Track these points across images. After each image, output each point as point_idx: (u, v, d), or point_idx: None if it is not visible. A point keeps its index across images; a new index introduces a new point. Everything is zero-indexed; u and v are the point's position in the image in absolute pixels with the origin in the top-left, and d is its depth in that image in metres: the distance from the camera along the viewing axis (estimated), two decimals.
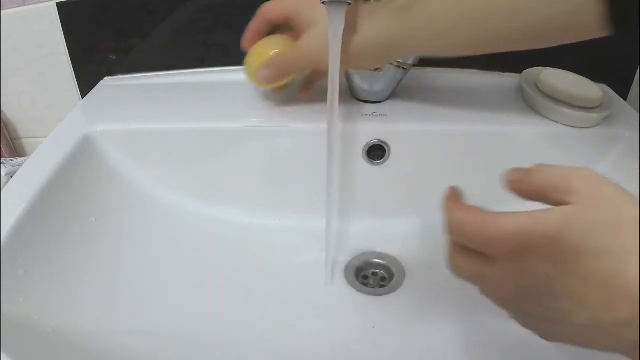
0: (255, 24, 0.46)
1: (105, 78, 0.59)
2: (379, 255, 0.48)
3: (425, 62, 0.54)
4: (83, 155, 0.46)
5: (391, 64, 0.48)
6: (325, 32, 0.39)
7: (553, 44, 0.37)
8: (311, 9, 0.42)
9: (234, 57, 0.49)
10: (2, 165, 0.55)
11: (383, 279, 0.47)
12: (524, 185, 0.27)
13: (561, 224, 0.23)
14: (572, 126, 0.48)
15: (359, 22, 0.41)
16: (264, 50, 0.45)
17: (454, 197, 0.29)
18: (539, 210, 0.25)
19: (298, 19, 0.43)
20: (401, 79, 0.50)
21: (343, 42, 0.39)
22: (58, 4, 0.55)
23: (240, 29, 0.47)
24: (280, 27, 0.46)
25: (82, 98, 0.59)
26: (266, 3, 0.45)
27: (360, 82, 0.50)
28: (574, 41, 0.36)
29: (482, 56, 0.40)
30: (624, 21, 0.33)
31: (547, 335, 0.27)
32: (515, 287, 0.26)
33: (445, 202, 0.28)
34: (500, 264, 0.26)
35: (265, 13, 0.45)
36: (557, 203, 0.25)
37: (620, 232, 0.23)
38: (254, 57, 0.46)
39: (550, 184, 0.26)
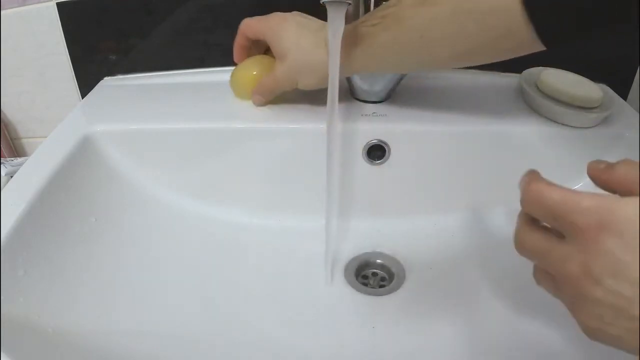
0: (238, 39, 0.49)
1: (105, 78, 0.59)
2: (379, 256, 0.48)
3: None
4: (83, 155, 0.46)
5: None
6: (298, 59, 0.45)
7: (495, 60, 0.40)
8: (282, 36, 0.45)
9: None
10: (2, 165, 0.55)
11: (383, 279, 0.47)
12: (610, 174, 0.27)
13: None
14: (572, 126, 0.48)
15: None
16: (247, 71, 0.50)
17: (532, 174, 0.28)
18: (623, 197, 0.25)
19: (271, 44, 0.47)
20: (401, 79, 0.50)
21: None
22: (58, 4, 0.55)
23: None
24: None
25: (82, 98, 0.59)
26: (245, 20, 0.48)
27: (360, 82, 0.50)
28: (512, 57, 0.39)
29: None
30: (553, 38, 0.36)
31: (596, 327, 0.26)
32: (581, 266, 0.25)
33: (523, 178, 0.28)
34: (571, 240, 0.26)
35: (244, 30, 0.48)
36: None
37: None
38: (237, 73, 0.51)
39: (637, 176, 0.26)
